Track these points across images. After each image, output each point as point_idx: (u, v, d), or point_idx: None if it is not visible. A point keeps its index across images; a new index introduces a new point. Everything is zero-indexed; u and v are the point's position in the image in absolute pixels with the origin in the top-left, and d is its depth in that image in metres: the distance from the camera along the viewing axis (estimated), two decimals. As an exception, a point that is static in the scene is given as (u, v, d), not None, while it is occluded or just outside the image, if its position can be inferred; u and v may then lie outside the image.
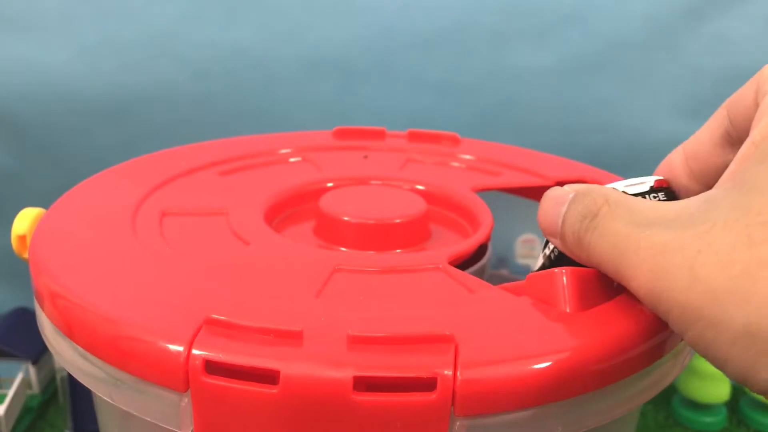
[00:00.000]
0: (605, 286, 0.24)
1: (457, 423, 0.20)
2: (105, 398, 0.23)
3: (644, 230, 0.20)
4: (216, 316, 0.21)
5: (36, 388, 0.46)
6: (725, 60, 0.51)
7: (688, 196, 0.24)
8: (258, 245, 0.28)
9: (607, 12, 0.51)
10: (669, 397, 0.49)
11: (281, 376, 0.20)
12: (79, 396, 0.42)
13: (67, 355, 0.24)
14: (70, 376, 0.41)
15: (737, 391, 0.49)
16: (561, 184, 0.37)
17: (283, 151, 0.40)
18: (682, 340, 0.25)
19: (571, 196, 0.23)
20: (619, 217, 0.21)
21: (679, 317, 0.19)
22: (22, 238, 0.29)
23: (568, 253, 0.24)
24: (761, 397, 0.47)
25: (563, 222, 0.23)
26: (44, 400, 0.46)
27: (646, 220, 0.21)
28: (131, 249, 0.27)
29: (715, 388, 0.46)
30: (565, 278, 0.23)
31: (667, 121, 0.53)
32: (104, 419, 0.29)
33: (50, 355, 0.47)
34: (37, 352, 0.45)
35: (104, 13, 0.50)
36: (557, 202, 0.24)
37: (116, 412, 0.26)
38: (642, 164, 0.53)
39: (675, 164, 0.27)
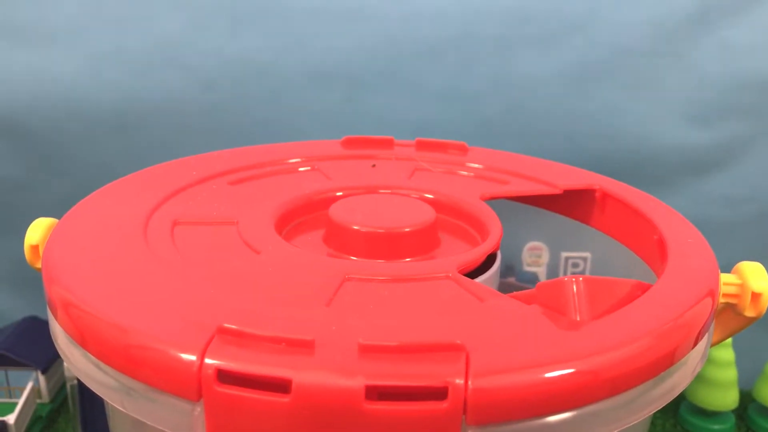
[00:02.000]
0: (615, 295, 0.24)
1: (469, 432, 0.20)
2: (117, 407, 0.23)
3: None
4: (228, 325, 0.21)
5: (46, 397, 0.46)
6: (730, 67, 0.51)
7: None
8: (269, 254, 0.28)
9: (612, 20, 0.51)
10: (677, 405, 0.49)
11: (293, 384, 0.20)
12: (89, 404, 0.43)
13: (80, 364, 0.25)
14: (79, 384, 0.41)
15: (745, 399, 0.49)
16: (569, 192, 0.37)
17: (293, 160, 0.40)
18: (693, 347, 0.25)
19: None
20: None
21: None
22: (34, 248, 0.30)
23: None
24: (770, 405, 0.47)
25: None
26: (54, 408, 0.47)
27: None
28: (143, 258, 0.27)
29: (723, 396, 0.46)
30: (575, 287, 0.23)
31: (672, 128, 0.53)
32: (116, 427, 0.29)
33: (60, 363, 0.47)
34: (47, 360, 0.46)
35: (112, 24, 0.50)
36: None
37: (128, 420, 0.26)
38: (647, 171, 0.53)
39: None
